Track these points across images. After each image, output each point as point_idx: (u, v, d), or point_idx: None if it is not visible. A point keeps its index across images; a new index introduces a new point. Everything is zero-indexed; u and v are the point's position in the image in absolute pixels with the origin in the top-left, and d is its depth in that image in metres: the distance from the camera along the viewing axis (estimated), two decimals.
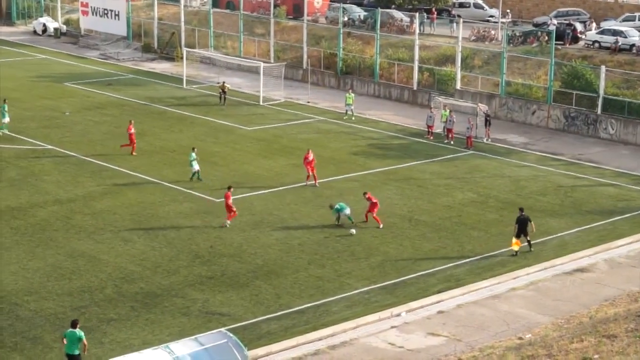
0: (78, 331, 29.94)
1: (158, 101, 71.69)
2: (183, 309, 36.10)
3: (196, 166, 51.80)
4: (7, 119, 61.64)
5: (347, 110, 68.38)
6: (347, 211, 45.42)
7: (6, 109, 61.86)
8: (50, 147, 58.01)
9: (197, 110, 68.96)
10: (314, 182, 51.53)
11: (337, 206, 45.54)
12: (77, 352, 29.74)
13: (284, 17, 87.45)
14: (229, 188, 45.57)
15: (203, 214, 46.88)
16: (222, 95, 71.44)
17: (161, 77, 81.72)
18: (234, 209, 45.14)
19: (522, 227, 42.58)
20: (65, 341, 30.04)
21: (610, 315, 34.08)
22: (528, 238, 42.75)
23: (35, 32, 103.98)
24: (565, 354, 29.43)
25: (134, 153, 56.76)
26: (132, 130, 57.34)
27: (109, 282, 38.45)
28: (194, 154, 52.01)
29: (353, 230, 44.55)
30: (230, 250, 42.21)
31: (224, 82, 73.00)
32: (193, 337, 28.56)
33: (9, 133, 60.70)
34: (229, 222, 45.19)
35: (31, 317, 35.14)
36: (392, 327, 35.15)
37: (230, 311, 36.03)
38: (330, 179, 52.96)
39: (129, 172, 53.31)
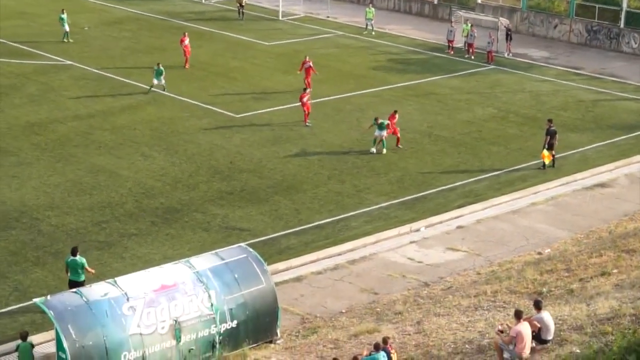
0: (79, 258, 29.69)
1: (177, 16, 71.26)
2: (203, 224, 36.25)
3: (157, 81, 52.04)
4: (66, 28, 62.58)
5: (367, 25, 67.83)
6: (384, 133, 44.58)
7: (65, 18, 62.64)
8: (69, 62, 57.86)
9: (215, 25, 68.55)
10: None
11: (380, 121, 44.60)
12: (82, 279, 29.59)
13: None
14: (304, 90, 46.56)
15: (222, 129, 46.82)
16: (240, 10, 70.92)
17: None
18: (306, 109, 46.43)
19: (551, 140, 42.25)
20: (68, 271, 29.84)
21: (630, 230, 34.04)
22: (553, 152, 42.48)
23: None
24: (584, 269, 29.46)
25: (186, 66, 56.81)
26: (186, 42, 57.15)
27: (130, 197, 38.60)
28: (160, 68, 52.13)
29: (373, 150, 44.34)
30: (250, 166, 42.22)
31: None
32: (213, 251, 28.65)
33: (28, 48, 60.55)
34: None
35: (52, 232, 35.37)
36: (412, 242, 35.24)
37: (249, 226, 36.16)
38: (350, 94, 52.70)
39: (148, 87, 53.15)
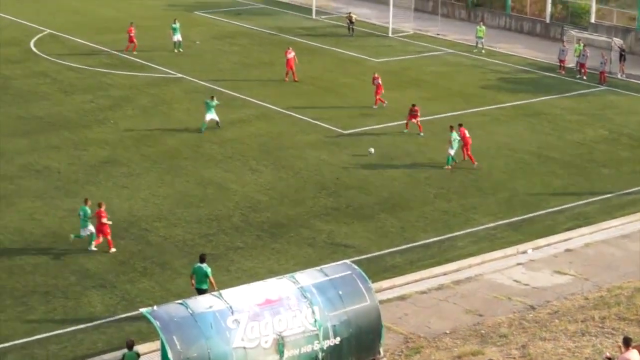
0: (205, 266, 30.28)
1: (287, 31, 71.79)
2: (309, 240, 36.39)
3: (210, 116, 48.47)
4: (178, 37, 64.10)
5: (477, 43, 67.43)
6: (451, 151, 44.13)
7: (177, 28, 64.09)
8: (180, 75, 58.71)
9: (325, 41, 68.87)
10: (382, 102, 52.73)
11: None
12: (205, 287, 30.10)
13: None
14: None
15: (330, 145, 46.98)
16: (350, 26, 71.15)
17: (291, 7, 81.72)
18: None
19: None
20: (193, 277, 30.38)
21: None
22: None
23: None
24: None
25: (286, 79, 57.37)
26: (291, 55, 57.65)
27: (237, 211, 38.95)
28: (212, 101, 48.61)
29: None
30: (357, 183, 42.26)
31: (350, 13, 72.67)
32: (318, 267, 28.72)
33: (139, 60, 61.62)
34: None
35: (160, 243, 35.88)
36: (518, 264, 34.86)
37: (355, 243, 36.18)
38: (459, 112, 52.42)
39: (257, 101, 53.66)
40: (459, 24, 76.43)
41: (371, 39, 70.23)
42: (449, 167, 44.07)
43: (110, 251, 35.13)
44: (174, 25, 64.49)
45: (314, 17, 76.78)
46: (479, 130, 49.21)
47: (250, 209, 39.24)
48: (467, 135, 44.53)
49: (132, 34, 63.55)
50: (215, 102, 48.57)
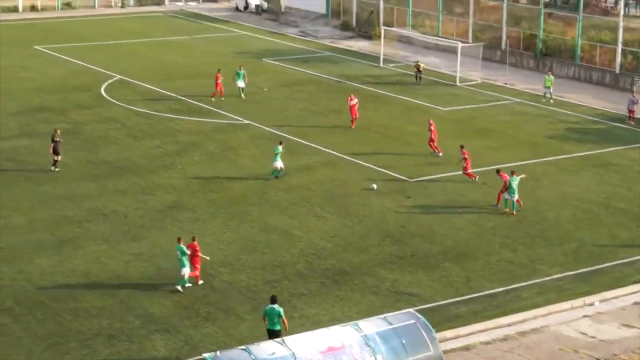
0: (277, 307, 30.45)
1: (354, 79, 72.08)
2: (372, 288, 36.28)
3: (279, 163, 48.69)
4: (242, 84, 64.68)
5: (545, 93, 67.09)
6: (513, 197, 44.34)
7: (242, 74, 64.77)
8: (247, 121, 59.14)
9: (392, 89, 69.00)
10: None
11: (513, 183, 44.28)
12: (278, 328, 30.25)
13: None
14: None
15: (395, 193, 46.92)
16: (418, 75, 71.26)
17: (358, 55, 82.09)
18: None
19: None
20: (266, 319, 30.54)
21: None
22: None
23: (237, 8, 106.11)
24: None
25: (352, 126, 57.81)
26: (353, 102, 58.05)
27: (301, 257, 39.00)
28: (280, 148, 48.91)
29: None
30: (421, 231, 42.12)
31: (418, 61, 72.81)
32: (381, 316, 28.61)
33: (207, 107, 62.20)
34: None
35: (224, 289, 36.00)
36: (585, 316, 34.41)
37: (419, 292, 36.00)
38: (525, 162, 52.10)
39: (323, 148, 53.83)
40: (527, 73, 76.16)
41: (438, 88, 70.23)
42: (513, 211, 44.19)
43: (199, 283, 36.01)
44: (238, 72, 65.14)
45: (381, 65, 76.99)
46: (545, 180, 48.88)
47: (315, 255, 39.26)
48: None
49: (219, 81, 64.09)
50: (281, 149, 48.77)
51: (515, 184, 44.25)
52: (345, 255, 39.31)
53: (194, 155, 52.49)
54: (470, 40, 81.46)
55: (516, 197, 44.27)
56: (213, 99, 63.74)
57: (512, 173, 45.00)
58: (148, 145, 54.10)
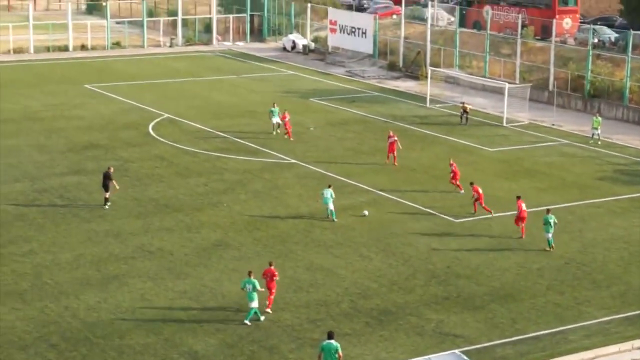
0: (335, 342, 30.78)
1: (400, 119, 72.09)
2: (417, 328, 36.09)
3: (331, 205, 48.53)
4: (277, 119, 65.33)
5: (593, 134, 66.66)
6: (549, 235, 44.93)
7: (276, 111, 65.52)
8: (293, 161, 59.28)
9: (439, 130, 68.91)
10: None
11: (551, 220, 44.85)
12: None
13: (531, 37, 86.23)
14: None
15: (441, 233, 46.77)
16: (464, 115, 71.15)
17: (404, 96, 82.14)
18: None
19: None
20: (322, 355, 30.75)
21: None
22: None
23: (284, 48, 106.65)
24: None
25: (395, 163, 58.29)
26: (392, 140, 58.53)
27: (346, 297, 38.90)
28: (328, 192, 48.75)
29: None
30: (467, 271, 41.91)
31: (464, 102, 72.74)
32: (426, 357, 28.49)
33: (255, 146, 62.45)
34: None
35: (269, 327, 35.97)
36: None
37: (464, 333, 35.76)
38: (573, 204, 51.76)
39: (369, 188, 53.82)
40: (574, 114, 75.78)
41: (485, 128, 70.04)
42: (550, 248, 44.61)
43: (267, 310, 36.94)
44: (272, 109, 65.74)
45: (427, 105, 76.97)
46: (593, 222, 48.53)
47: (359, 295, 39.16)
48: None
49: (286, 119, 64.27)
50: (330, 192, 48.77)
51: (552, 221, 44.51)
52: (390, 295, 39.18)
53: (240, 193, 52.67)
54: (517, 81, 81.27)
55: (550, 235, 44.61)
56: (291, 138, 64.40)
57: (548, 211, 45.17)
58: (194, 183, 54.37)
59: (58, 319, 36.59)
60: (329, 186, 49.55)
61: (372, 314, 37.35)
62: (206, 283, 40.02)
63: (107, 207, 49.46)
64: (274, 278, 37.36)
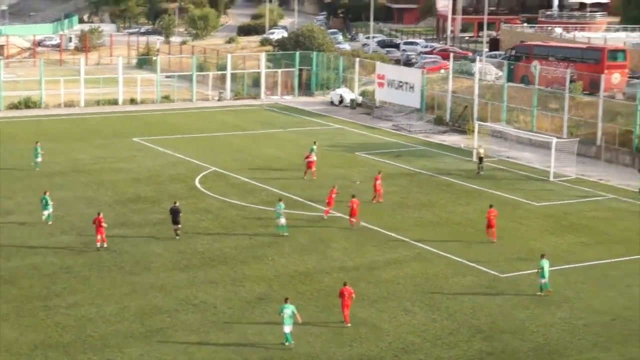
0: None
1: (446, 173, 71.98)
2: None
3: (282, 219, 53.87)
4: (314, 158, 69.23)
5: None
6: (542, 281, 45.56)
7: (314, 149, 70.17)
8: (338, 214, 59.26)
9: (484, 184, 68.64)
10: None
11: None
12: None
13: (579, 92, 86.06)
14: None
15: (486, 288, 46.51)
16: (480, 165, 71.41)
17: (451, 150, 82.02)
18: None
19: None
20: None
21: None
22: None
23: (332, 102, 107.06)
24: None
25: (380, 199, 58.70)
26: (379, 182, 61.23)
27: (389, 352, 38.76)
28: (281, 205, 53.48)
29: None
30: (512, 327, 41.59)
31: (480, 145, 73.12)
32: None
33: (301, 200, 62.59)
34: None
35: None
36: None
37: None
38: (619, 259, 51.29)
39: (414, 242, 53.70)
40: (622, 169, 75.25)
41: (532, 183, 69.73)
42: (542, 294, 45.14)
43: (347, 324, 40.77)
44: (313, 147, 70.20)
45: (473, 159, 76.76)
46: (635, 279, 47.99)
47: (403, 350, 38.99)
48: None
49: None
50: (282, 205, 53.81)
51: (545, 266, 45.32)
52: (434, 351, 38.96)
53: (284, 247, 52.74)
54: (564, 135, 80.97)
55: (545, 280, 45.45)
56: (314, 177, 67.03)
57: (542, 256, 45.87)
58: (240, 236, 54.54)
59: None
60: (280, 200, 53.82)
61: None
62: (249, 337, 40.03)
63: (178, 237, 53.71)
64: (351, 296, 41.60)
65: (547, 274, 45.29)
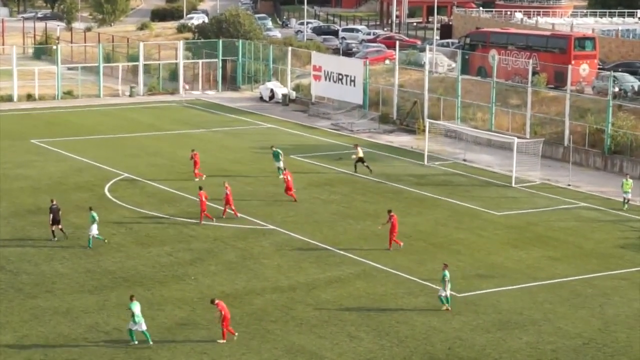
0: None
1: (395, 179, 72.37)
2: None
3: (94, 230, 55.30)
4: (281, 164, 70.23)
5: (625, 199, 66.09)
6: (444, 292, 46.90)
7: (277, 152, 70.88)
8: (272, 227, 59.38)
9: (438, 191, 69.16)
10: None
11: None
12: None
13: (543, 86, 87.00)
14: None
15: (441, 310, 46.82)
16: (358, 164, 72.96)
17: (399, 152, 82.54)
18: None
19: None
20: None
21: None
22: None
23: (261, 98, 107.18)
24: None
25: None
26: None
27: None
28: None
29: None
30: (472, 354, 41.94)
31: (357, 145, 74.32)
32: None
33: (228, 210, 62.61)
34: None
35: None
36: None
37: None
38: (592, 275, 51.95)
39: (358, 258, 53.94)
40: (593, 173, 76.26)
41: (491, 189, 70.39)
42: (447, 307, 46.47)
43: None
44: (278, 151, 71.00)
45: (425, 163, 77.35)
46: (616, 296, 48.67)
47: None
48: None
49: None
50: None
51: (447, 278, 46.66)
52: None
53: (210, 265, 52.71)
54: (527, 135, 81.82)
55: (445, 293, 46.76)
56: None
57: (445, 267, 47.24)
58: (157, 253, 54.42)
59: None
60: (90, 208, 56.03)
61: None
62: None
63: (54, 239, 55.24)
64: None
65: (449, 287, 46.78)
